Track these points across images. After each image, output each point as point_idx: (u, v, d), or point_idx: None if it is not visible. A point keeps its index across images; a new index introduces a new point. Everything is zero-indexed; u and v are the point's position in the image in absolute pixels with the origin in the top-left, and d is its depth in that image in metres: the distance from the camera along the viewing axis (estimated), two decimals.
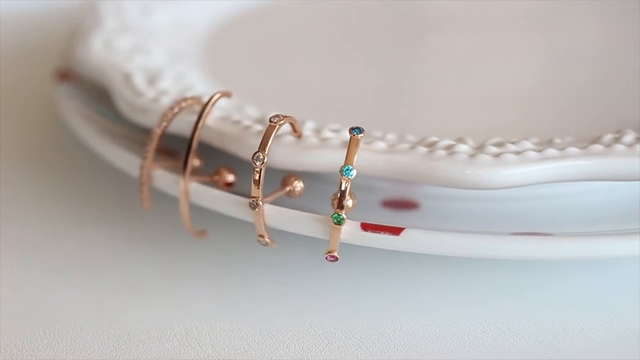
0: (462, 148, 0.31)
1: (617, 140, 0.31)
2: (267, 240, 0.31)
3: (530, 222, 0.33)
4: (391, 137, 0.33)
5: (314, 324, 0.31)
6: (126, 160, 0.35)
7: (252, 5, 0.50)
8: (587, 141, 0.32)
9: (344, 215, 0.29)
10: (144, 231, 0.36)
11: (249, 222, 0.31)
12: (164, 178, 0.33)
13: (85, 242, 0.36)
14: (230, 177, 0.33)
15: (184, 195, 0.32)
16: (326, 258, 0.30)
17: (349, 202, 0.30)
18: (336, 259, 0.30)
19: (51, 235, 0.37)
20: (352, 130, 0.30)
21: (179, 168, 0.33)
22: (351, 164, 0.29)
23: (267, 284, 0.34)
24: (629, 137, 0.31)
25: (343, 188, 0.29)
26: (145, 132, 0.35)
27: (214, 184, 0.33)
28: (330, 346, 0.31)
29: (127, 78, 0.37)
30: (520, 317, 0.32)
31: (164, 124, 0.33)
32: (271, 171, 0.32)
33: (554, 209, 0.34)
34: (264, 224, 0.31)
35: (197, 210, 0.33)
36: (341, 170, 0.29)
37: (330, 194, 0.31)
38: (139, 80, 0.37)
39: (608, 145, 0.31)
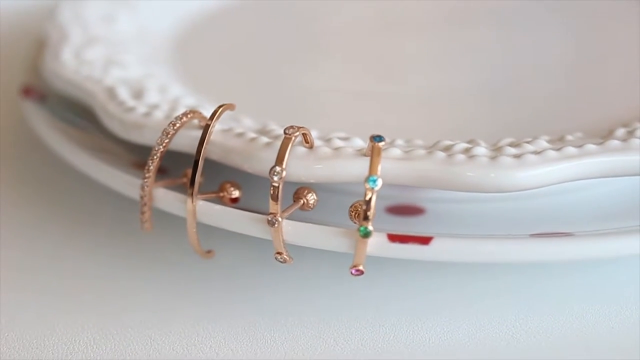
0: (480, 151, 0.30)
1: (631, 134, 0.31)
2: (285, 257, 0.30)
3: (539, 220, 0.33)
4: (400, 142, 0.32)
5: (337, 339, 0.30)
6: (111, 176, 0.34)
7: (213, 7, 0.49)
8: (597, 136, 0.32)
9: (371, 227, 0.28)
10: (142, 251, 0.35)
11: (250, 238, 0.30)
12: (168, 198, 0.31)
13: (82, 266, 0.34)
14: (236, 193, 0.32)
15: (192, 215, 0.30)
16: (351, 272, 0.29)
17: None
18: (362, 272, 0.29)
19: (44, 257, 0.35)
20: (373, 138, 0.28)
21: (178, 186, 0.32)
22: (376, 174, 0.28)
23: (278, 301, 0.32)
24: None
25: (368, 199, 0.28)
26: (119, 140, 0.35)
27: (217, 201, 0.31)
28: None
29: (111, 93, 0.35)
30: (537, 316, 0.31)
31: (166, 140, 0.31)
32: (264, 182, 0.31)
33: (561, 205, 0.34)
34: (283, 240, 0.29)
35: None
36: (366, 181, 0.28)
37: (339, 204, 0.30)
38: (124, 95, 0.35)
39: (624, 140, 0.31)
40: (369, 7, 0.50)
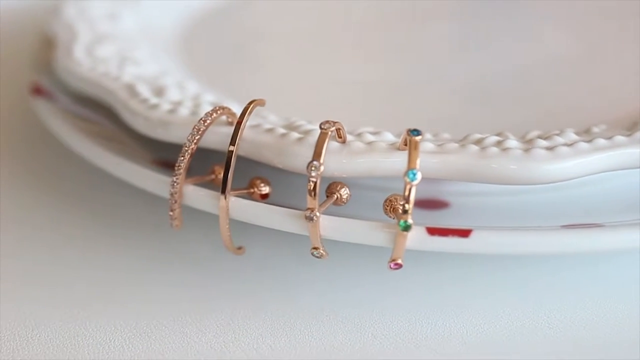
0: (512, 143, 0.30)
1: None
2: (322, 252, 0.30)
3: (565, 212, 0.33)
4: (428, 136, 0.32)
5: (375, 333, 0.30)
6: (136, 174, 0.33)
7: (215, 3, 0.49)
8: (621, 128, 0.32)
9: (411, 221, 0.28)
10: (170, 248, 0.35)
11: (279, 234, 0.30)
12: (199, 195, 0.31)
13: (110, 264, 0.34)
14: (266, 189, 0.31)
15: (225, 212, 0.30)
16: (389, 267, 0.29)
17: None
18: (401, 266, 0.29)
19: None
20: (409, 132, 0.28)
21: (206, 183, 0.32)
22: (415, 167, 0.28)
23: (311, 295, 0.32)
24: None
25: (408, 193, 0.28)
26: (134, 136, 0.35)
27: (247, 197, 0.31)
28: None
29: (132, 90, 0.35)
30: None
31: (197, 137, 0.31)
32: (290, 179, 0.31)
33: (587, 197, 0.34)
34: (320, 235, 0.29)
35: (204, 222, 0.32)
36: (406, 174, 0.28)
37: (365, 200, 0.30)
38: (146, 92, 0.35)
39: None
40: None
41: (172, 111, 0.33)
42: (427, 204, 0.34)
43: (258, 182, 0.32)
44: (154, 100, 0.34)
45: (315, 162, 0.28)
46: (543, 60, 0.43)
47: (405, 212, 0.28)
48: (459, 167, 0.30)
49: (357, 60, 0.45)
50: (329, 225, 0.29)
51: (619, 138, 0.30)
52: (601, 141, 0.30)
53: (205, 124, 0.31)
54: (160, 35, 0.44)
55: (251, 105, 0.31)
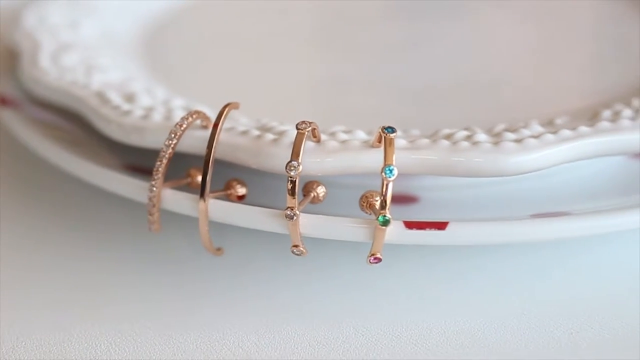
0: (481, 137, 0.31)
1: (617, 115, 0.33)
2: (302, 249, 0.30)
3: (531, 202, 0.34)
4: (399, 132, 0.33)
5: (357, 328, 0.31)
6: (110, 179, 0.34)
7: (174, 6, 0.49)
8: (583, 118, 0.33)
9: (389, 216, 0.29)
10: (147, 251, 0.35)
11: (253, 233, 0.31)
12: (177, 198, 0.31)
13: (89, 270, 0.34)
14: (243, 190, 0.32)
15: (204, 214, 0.31)
16: (369, 261, 0.30)
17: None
18: (380, 260, 0.30)
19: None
20: (384, 129, 0.29)
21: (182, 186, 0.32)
22: (392, 164, 0.29)
23: (291, 293, 0.33)
24: (628, 112, 0.33)
25: (385, 189, 0.29)
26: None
27: (224, 199, 0.32)
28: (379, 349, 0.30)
29: (102, 98, 0.35)
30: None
31: (174, 141, 0.31)
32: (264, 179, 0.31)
33: (552, 186, 0.35)
34: (300, 233, 0.30)
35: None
36: (383, 171, 0.29)
37: (342, 197, 0.31)
38: (117, 99, 0.35)
39: (613, 121, 0.32)
40: None
41: (145, 117, 0.33)
42: (397, 199, 0.35)
43: (234, 183, 0.32)
44: (125, 106, 0.34)
45: (293, 162, 0.29)
46: (497, 56, 0.44)
47: (383, 207, 0.29)
48: (433, 162, 0.30)
49: (319, 57, 0.46)
50: (308, 223, 0.30)
51: (583, 129, 0.32)
52: (566, 132, 0.31)
53: (182, 128, 0.31)
54: (121, 40, 0.44)
55: (226, 109, 0.31)
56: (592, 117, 0.33)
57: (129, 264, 0.34)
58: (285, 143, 0.31)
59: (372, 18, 0.50)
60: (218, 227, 0.32)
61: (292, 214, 0.29)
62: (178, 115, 0.33)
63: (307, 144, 0.31)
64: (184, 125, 0.31)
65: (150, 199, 0.31)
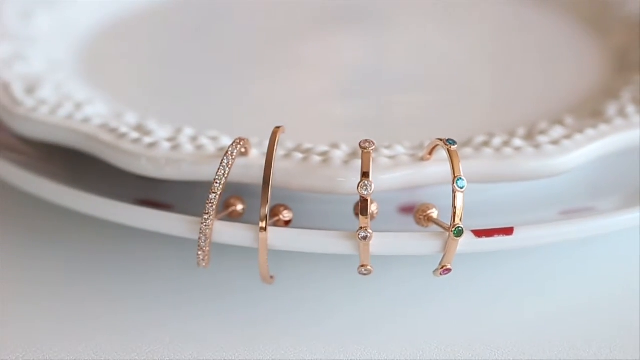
0: (518, 142, 0.32)
1: (623, 111, 0.35)
2: (370, 268, 0.30)
3: (556, 200, 0.35)
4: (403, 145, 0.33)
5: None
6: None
7: (132, 10, 0.48)
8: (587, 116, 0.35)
9: (462, 226, 0.29)
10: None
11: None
12: (232, 231, 0.30)
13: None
14: (289, 215, 0.31)
15: (265, 245, 0.30)
16: (440, 273, 0.30)
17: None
18: (450, 271, 0.30)
19: None
20: (446, 142, 0.30)
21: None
22: (461, 175, 0.29)
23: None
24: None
25: (458, 201, 0.29)
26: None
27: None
28: None
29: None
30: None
31: (227, 170, 0.30)
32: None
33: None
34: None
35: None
36: (455, 182, 0.29)
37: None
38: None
39: (624, 117, 0.34)
40: (279, 9, 0.50)
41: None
42: (408, 209, 0.35)
43: (281, 209, 0.31)
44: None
45: (365, 181, 0.29)
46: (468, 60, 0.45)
47: (455, 219, 0.29)
48: (482, 171, 0.31)
49: (262, 70, 0.45)
50: (377, 242, 0.30)
51: (604, 127, 0.33)
52: (591, 132, 0.33)
53: (233, 157, 0.30)
54: (70, 38, 0.44)
55: (277, 135, 0.31)
56: (595, 115, 0.35)
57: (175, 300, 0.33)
58: (337, 163, 0.31)
59: (323, 27, 0.49)
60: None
61: (366, 234, 0.29)
62: (188, 141, 0.33)
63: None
64: (234, 154, 0.30)
65: (202, 232, 0.30)
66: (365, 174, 0.29)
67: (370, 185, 0.29)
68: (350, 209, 0.32)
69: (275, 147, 0.30)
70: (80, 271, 0.35)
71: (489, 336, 0.31)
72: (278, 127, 0.31)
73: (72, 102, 0.36)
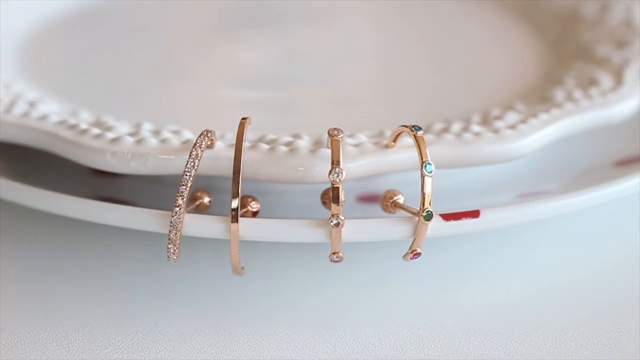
0: (475, 128, 0.33)
1: (570, 97, 0.36)
2: (341, 255, 0.30)
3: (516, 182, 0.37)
4: (365, 134, 0.34)
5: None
6: None
7: (70, 8, 0.48)
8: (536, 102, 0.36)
9: (432, 210, 0.30)
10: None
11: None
12: (202, 223, 0.30)
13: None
14: (257, 206, 0.31)
15: (236, 236, 0.30)
16: (410, 258, 0.30)
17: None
18: (420, 255, 0.30)
19: None
20: (412, 128, 0.30)
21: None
22: (428, 160, 0.30)
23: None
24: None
25: (427, 185, 0.30)
26: None
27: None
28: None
29: (76, 129, 0.33)
30: None
31: (197, 162, 0.30)
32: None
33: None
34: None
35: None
36: (423, 167, 0.30)
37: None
38: (92, 128, 0.33)
39: (574, 102, 0.35)
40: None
41: (139, 142, 0.32)
42: (365, 198, 0.36)
43: (249, 200, 0.31)
44: (109, 134, 0.32)
45: (336, 169, 0.29)
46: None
47: (425, 203, 0.30)
48: (442, 156, 0.32)
49: (199, 69, 0.45)
50: (349, 229, 0.30)
51: (556, 111, 0.35)
52: (544, 116, 0.34)
53: (202, 149, 0.30)
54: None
55: (245, 125, 0.31)
56: (544, 101, 0.36)
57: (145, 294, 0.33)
58: (304, 153, 0.31)
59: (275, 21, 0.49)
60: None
61: (338, 221, 0.30)
62: (151, 135, 0.33)
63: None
64: (203, 146, 0.30)
65: (173, 225, 0.30)
66: (336, 162, 0.30)
67: (342, 173, 0.29)
68: (312, 200, 0.33)
69: (243, 138, 0.30)
70: (46, 270, 0.34)
71: (459, 317, 0.32)
72: (245, 118, 0.31)
73: (24, 100, 0.35)
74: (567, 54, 0.42)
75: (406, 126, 0.31)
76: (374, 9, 0.50)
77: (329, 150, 0.31)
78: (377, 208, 0.35)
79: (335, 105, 0.41)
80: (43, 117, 0.34)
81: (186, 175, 0.30)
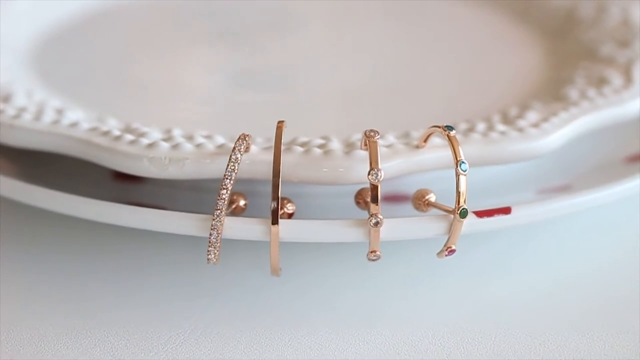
0: (500, 127, 0.34)
1: (584, 95, 0.37)
2: (379, 253, 0.31)
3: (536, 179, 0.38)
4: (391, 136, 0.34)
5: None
6: None
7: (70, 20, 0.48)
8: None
9: (467, 208, 0.31)
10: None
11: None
12: (243, 226, 0.31)
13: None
14: (292, 208, 0.32)
15: (276, 238, 0.30)
16: (445, 254, 0.31)
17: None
18: (455, 251, 0.31)
19: None
20: (445, 128, 0.31)
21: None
22: (462, 159, 0.30)
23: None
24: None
25: (462, 184, 0.30)
26: None
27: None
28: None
29: (110, 135, 0.33)
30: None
31: (237, 166, 0.30)
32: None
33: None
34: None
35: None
36: (458, 166, 0.30)
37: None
38: (125, 134, 0.33)
39: (589, 100, 0.37)
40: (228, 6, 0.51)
41: (175, 147, 0.32)
42: (391, 198, 0.37)
43: (285, 202, 0.32)
44: (144, 140, 0.33)
45: (375, 169, 0.30)
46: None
47: (460, 201, 0.30)
48: (473, 155, 0.33)
49: (204, 68, 0.46)
50: (387, 228, 0.31)
51: (574, 109, 0.36)
52: (564, 114, 0.35)
53: (241, 152, 0.31)
54: (15, 44, 0.43)
55: (282, 128, 0.31)
56: (560, 100, 0.37)
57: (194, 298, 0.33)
58: (339, 154, 0.32)
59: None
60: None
61: (377, 220, 0.30)
62: (185, 141, 0.33)
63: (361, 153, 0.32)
64: (242, 149, 0.31)
65: (214, 228, 0.31)
66: (374, 162, 0.30)
67: (380, 173, 0.30)
68: (341, 202, 0.33)
69: (282, 141, 0.31)
70: (86, 274, 0.35)
71: (495, 311, 0.33)
72: (281, 122, 0.32)
73: (51, 108, 0.36)
74: (571, 54, 0.43)
75: (438, 126, 0.31)
76: (378, 13, 0.51)
77: (362, 152, 0.31)
78: (400, 207, 0.36)
79: (344, 107, 0.42)
80: (74, 124, 0.34)
81: (227, 179, 0.31)
